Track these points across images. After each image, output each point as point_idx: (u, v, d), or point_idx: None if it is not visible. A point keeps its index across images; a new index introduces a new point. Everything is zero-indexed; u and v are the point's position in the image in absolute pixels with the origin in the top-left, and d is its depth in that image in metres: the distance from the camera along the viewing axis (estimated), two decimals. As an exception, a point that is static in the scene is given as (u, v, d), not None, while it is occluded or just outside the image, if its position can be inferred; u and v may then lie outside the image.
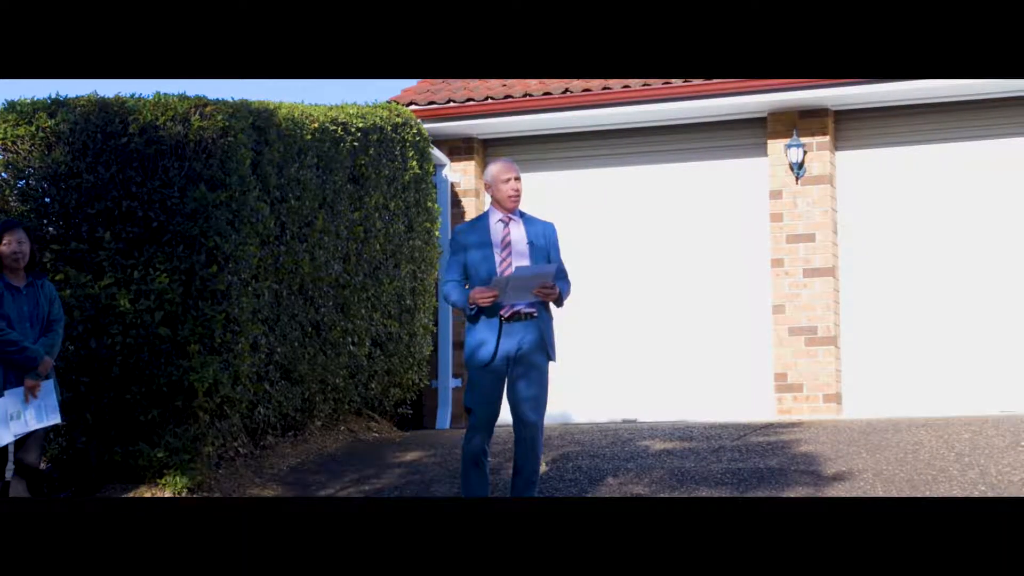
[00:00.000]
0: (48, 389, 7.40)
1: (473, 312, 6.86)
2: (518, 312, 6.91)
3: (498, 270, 6.91)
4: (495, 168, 7.08)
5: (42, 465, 7.94)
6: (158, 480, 8.48)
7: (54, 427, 7.76)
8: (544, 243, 7.06)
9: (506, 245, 6.98)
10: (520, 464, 7.02)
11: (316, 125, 10.10)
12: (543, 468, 7.22)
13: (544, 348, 6.97)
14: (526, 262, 6.95)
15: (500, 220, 7.04)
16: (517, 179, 7.05)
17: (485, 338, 6.90)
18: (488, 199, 7.25)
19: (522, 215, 7.12)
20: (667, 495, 8.08)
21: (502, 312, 6.87)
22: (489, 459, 7.07)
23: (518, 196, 7.03)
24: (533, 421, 6.96)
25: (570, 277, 7.25)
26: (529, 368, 6.92)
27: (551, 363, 7.11)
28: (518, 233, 7.04)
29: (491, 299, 6.76)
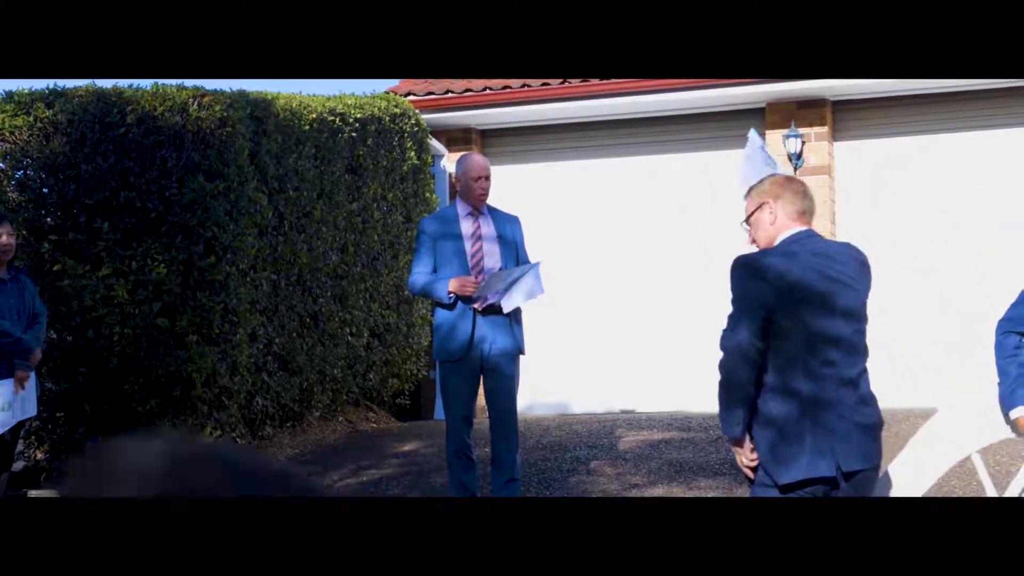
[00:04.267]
0: (30, 382, 7.44)
1: (452, 301, 6.87)
2: (491, 305, 6.95)
3: (470, 262, 6.95)
4: (466, 165, 7.13)
5: (18, 446, 7.99)
6: (156, 471, 8.49)
7: (30, 419, 7.79)
8: (512, 237, 7.13)
9: (477, 238, 7.02)
10: (498, 456, 7.04)
11: (314, 116, 10.08)
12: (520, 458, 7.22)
13: (516, 340, 7.02)
14: (497, 255, 7.01)
15: (469, 214, 7.09)
16: (487, 179, 7.10)
17: (459, 331, 6.91)
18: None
19: (489, 209, 7.19)
20: (665, 485, 8.09)
21: (476, 305, 6.89)
22: (474, 451, 7.09)
23: (486, 195, 7.11)
24: (508, 411, 7.01)
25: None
26: (502, 360, 6.96)
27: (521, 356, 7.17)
28: (488, 227, 7.10)
29: (474, 289, 6.79)
